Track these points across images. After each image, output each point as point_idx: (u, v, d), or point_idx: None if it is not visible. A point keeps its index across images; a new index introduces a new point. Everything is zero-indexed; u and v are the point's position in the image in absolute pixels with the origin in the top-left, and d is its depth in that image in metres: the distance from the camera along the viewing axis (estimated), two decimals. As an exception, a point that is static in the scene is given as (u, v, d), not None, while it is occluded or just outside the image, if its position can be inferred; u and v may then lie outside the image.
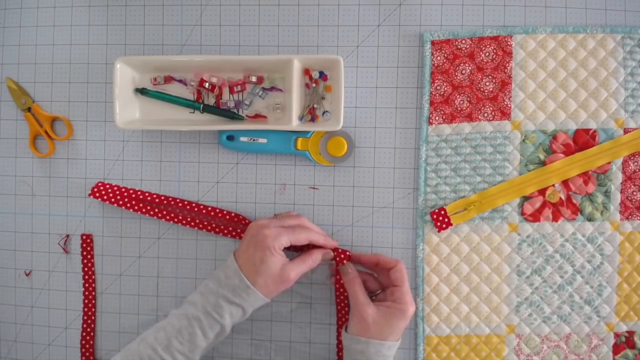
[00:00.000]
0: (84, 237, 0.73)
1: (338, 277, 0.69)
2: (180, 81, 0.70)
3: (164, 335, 0.60)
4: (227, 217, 0.70)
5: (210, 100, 0.70)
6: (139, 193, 0.71)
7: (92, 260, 0.73)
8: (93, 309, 0.73)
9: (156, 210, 0.71)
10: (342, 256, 0.66)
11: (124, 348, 0.62)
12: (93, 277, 0.73)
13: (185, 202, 0.71)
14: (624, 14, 0.68)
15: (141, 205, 0.71)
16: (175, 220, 0.70)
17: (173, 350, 0.59)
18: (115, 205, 0.71)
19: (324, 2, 0.70)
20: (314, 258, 0.64)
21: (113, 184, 0.72)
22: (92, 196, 0.71)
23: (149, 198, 0.71)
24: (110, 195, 0.71)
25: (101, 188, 0.71)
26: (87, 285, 0.73)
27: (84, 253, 0.73)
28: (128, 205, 0.71)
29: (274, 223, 0.63)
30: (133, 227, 0.73)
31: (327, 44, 0.70)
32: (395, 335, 0.62)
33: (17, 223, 0.74)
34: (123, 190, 0.71)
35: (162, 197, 0.71)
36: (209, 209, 0.71)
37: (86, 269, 0.73)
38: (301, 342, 0.71)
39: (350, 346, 0.62)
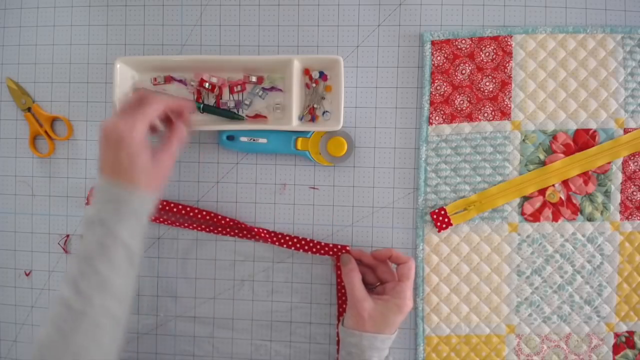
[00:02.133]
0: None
1: (339, 272, 0.69)
2: (180, 81, 0.70)
3: (68, 284, 0.52)
4: (223, 221, 0.70)
5: (210, 100, 0.70)
6: None
7: None
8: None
9: (156, 215, 0.71)
10: (344, 251, 0.67)
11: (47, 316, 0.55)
12: None
13: (180, 207, 0.70)
14: (624, 14, 0.68)
15: None
16: (176, 224, 0.70)
17: (83, 293, 0.51)
18: None
19: (324, 2, 0.70)
20: (178, 129, 0.59)
21: None
22: (88, 205, 0.71)
23: None
24: None
25: None
26: None
27: None
28: None
29: (118, 114, 0.56)
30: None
31: (327, 44, 0.70)
32: (390, 329, 0.62)
33: (17, 223, 0.74)
34: None
35: (160, 203, 0.71)
36: (211, 214, 0.70)
37: None
38: (301, 342, 0.71)
39: (345, 339, 0.63)
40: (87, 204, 0.72)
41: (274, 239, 0.69)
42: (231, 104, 0.70)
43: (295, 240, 0.69)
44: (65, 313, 0.51)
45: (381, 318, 0.61)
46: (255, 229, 0.69)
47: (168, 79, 0.70)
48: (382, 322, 0.61)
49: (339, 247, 0.68)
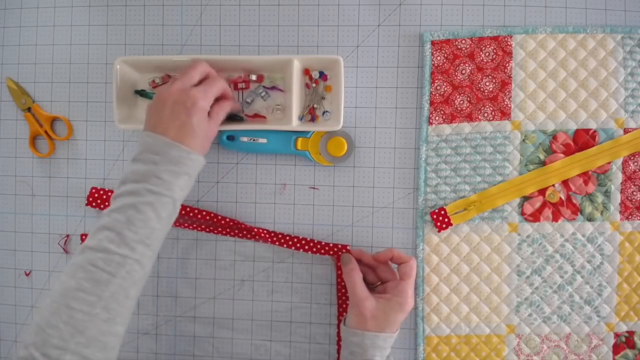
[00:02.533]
0: (84, 237, 0.73)
1: (339, 272, 0.69)
2: (180, 81, 0.70)
3: (110, 232, 0.53)
4: (223, 221, 0.70)
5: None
6: None
7: None
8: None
9: None
10: (344, 251, 0.67)
11: (67, 264, 0.56)
12: None
13: (180, 207, 0.70)
14: (624, 14, 0.68)
15: None
16: (176, 224, 0.70)
17: (130, 242, 0.53)
18: None
19: (324, 2, 0.70)
20: (224, 106, 0.63)
21: (107, 189, 0.72)
22: (89, 206, 0.71)
23: None
24: (107, 204, 0.71)
25: (96, 195, 0.71)
26: None
27: None
28: None
29: (188, 82, 0.60)
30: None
31: (327, 44, 0.70)
32: (392, 328, 0.62)
33: (17, 223, 0.74)
34: None
35: None
36: (211, 214, 0.70)
37: None
38: (301, 342, 0.71)
39: (347, 338, 0.63)
40: (87, 204, 0.72)
41: (274, 239, 0.69)
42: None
43: (295, 240, 0.69)
44: (104, 258, 0.52)
45: (383, 317, 0.61)
46: (255, 229, 0.69)
47: (165, 79, 0.70)
48: (384, 321, 0.61)
49: (339, 246, 0.68)
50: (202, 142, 0.59)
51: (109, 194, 0.71)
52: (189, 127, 0.58)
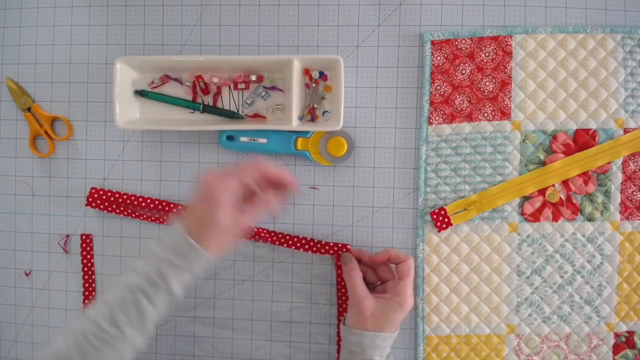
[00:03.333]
0: (84, 237, 0.73)
1: (339, 271, 0.69)
2: (175, 79, 0.70)
3: (106, 308, 0.54)
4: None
5: (207, 101, 0.70)
6: (133, 199, 0.71)
7: (92, 260, 0.73)
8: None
9: (156, 216, 0.70)
10: (344, 250, 0.67)
11: (67, 326, 0.57)
12: (93, 277, 0.73)
13: (180, 207, 0.71)
14: (624, 14, 0.68)
15: (139, 212, 0.71)
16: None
17: (120, 324, 0.53)
18: (113, 213, 0.71)
19: (324, 2, 0.70)
20: (266, 196, 0.59)
21: (107, 189, 0.72)
22: (89, 206, 0.71)
23: (146, 203, 0.70)
24: (107, 204, 0.71)
25: (95, 195, 0.71)
26: (87, 285, 0.73)
27: (84, 253, 0.73)
28: (125, 213, 0.71)
29: (229, 174, 0.57)
30: (133, 227, 0.73)
31: (327, 44, 0.70)
32: (392, 327, 0.62)
33: (17, 223, 0.74)
34: (118, 196, 0.71)
35: (159, 202, 0.71)
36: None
37: (86, 268, 0.73)
38: (301, 342, 0.71)
39: (346, 338, 0.63)
40: (87, 205, 0.72)
41: (274, 238, 0.69)
42: (232, 104, 0.70)
43: (295, 239, 0.69)
44: (96, 333, 0.53)
45: (383, 316, 0.61)
46: (256, 229, 0.69)
47: (164, 78, 0.70)
48: (383, 320, 0.61)
49: (340, 245, 0.68)
50: (217, 238, 0.55)
51: (109, 194, 0.71)
52: (201, 218, 0.55)
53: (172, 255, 0.54)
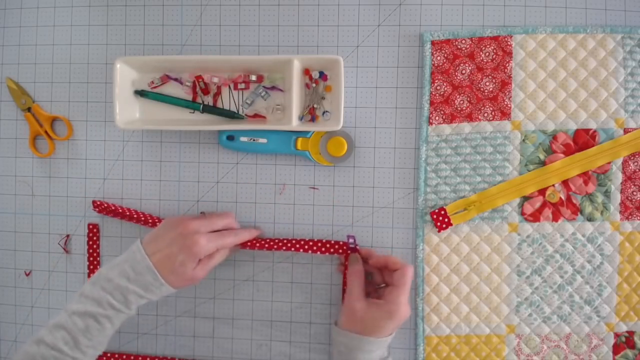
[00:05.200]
0: (91, 226, 0.72)
1: (346, 271, 0.68)
2: (175, 79, 0.70)
3: (67, 334, 0.58)
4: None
5: (207, 101, 0.70)
6: (134, 215, 0.70)
7: (98, 250, 0.73)
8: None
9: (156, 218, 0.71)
10: (349, 246, 0.67)
11: (18, 350, 0.60)
12: (98, 267, 0.73)
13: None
14: (624, 14, 0.68)
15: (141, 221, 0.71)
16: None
17: (82, 347, 0.58)
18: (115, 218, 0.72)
19: (324, 2, 0.70)
20: (221, 254, 0.65)
21: (110, 203, 0.71)
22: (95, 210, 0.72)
23: (145, 219, 0.70)
24: (106, 212, 0.71)
25: (98, 205, 0.71)
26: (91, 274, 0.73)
27: (90, 242, 0.72)
28: (125, 219, 0.71)
29: (204, 226, 0.63)
30: (133, 227, 0.73)
31: (327, 44, 0.70)
32: (380, 333, 0.61)
33: (17, 223, 0.74)
34: (120, 211, 0.70)
35: (159, 220, 0.70)
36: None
37: (91, 258, 0.72)
38: (302, 341, 0.71)
39: (335, 338, 0.63)
40: (93, 209, 0.71)
41: (275, 247, 0.68)
42: (232, 104, 0.70)
43: (294, 242, 0.68)
44: (57, 357, 0.57)
45: (371, 321, 0.61)
46: (257, 244, 0.68)
47: (164, 78, 0.70)
48: (371, 325, 0.61)
49: (341, 243, 0.67)
50: (179, 280, 0.62)
51: (111, 207, 0.71)
52: (172, 262, 0.61)
53: (138, 286, 0.60)
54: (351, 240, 0.66)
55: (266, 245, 0.68)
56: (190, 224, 0.62)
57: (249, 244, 0.68)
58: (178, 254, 0.60)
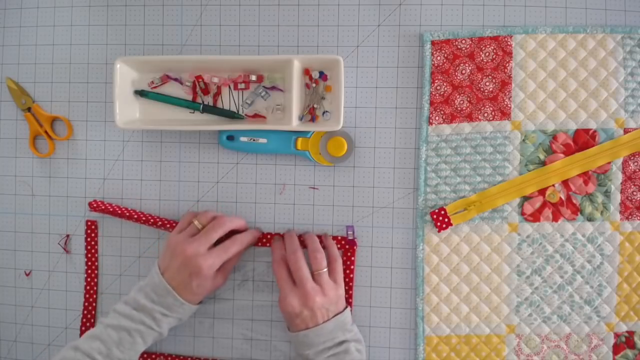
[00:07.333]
0: (89, 223, 0.72)
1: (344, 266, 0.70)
2: (176, 79, 0.70)
3: (102, 345, 0.61)
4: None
5: (207, 101, 0.70)
6: (134, 216, 0.70)
7: (96, 247, 0.73)
8: (93, 311, 0.73)
9: (158, 224, 0.70)
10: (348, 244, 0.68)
11: (56, 353, 0.62)
12: (96, 263, 0.73)
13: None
14: (624, 14, 0.68)
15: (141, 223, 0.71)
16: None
17: (114, 358, 0.61)
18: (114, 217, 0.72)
19: (324, 2, 0.70)
20: (236, 256, 0.68)
21: (107, 203, 0.72)
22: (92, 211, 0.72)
23: (145, 218, 0.70)
24: (106, 213, 0.71)
25: (96, 207, 0.71)
26: (89, 271, 0.72)
27: (88, 239, 0.73)
28: (125, 218, 0.71)
29: (202, 245, 0.64)
30: (133, 227, 0.73)
31: (327, 44, 0.70)
32: (289, 325, 0.66)
33: (17, 223, 0.74)
34: (119, 212, 0.70)
35: (160, 220, 0.70)
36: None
37: (90, 254, 0.72)
38: (301, 342, 0.71)
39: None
40: (90, 210, 0.72)
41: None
42: (232, 104, 0.70)
43: (301, 239, 0.69)
44: None
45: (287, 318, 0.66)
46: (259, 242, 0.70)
47: (164, 78, 0.70)
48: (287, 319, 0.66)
49: (339, 238, 0.68)
50: (200, 296, 0.66)
51: (109, 208, 0.71)
52: (189, 286, 0.63)
53: (162, 307, 0.63)
54: (350, 232, 0.67)
55: (267, 243, 0.69)
56: (188, 249, 0.63)
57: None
58: (191, 281, 0.63)
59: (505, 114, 0.68)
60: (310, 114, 0.69)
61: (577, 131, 0.68)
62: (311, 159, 0.69)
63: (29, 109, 0.73)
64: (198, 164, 0.72)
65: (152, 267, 0.66)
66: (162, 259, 0.65)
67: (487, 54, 0.68)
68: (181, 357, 0.72)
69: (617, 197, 0.68)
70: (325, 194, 0.71)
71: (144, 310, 0.63)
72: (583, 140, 0.67)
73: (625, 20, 0.67)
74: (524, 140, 0.68)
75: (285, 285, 0.65)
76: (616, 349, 0.68)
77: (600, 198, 0.68)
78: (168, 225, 0.70)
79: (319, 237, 0.69)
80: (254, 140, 0.69)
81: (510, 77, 0.68)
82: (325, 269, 0.65)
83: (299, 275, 0.64)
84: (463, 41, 0.68)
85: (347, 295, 0.69)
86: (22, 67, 0.74)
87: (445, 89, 0.68)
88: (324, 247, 0.68)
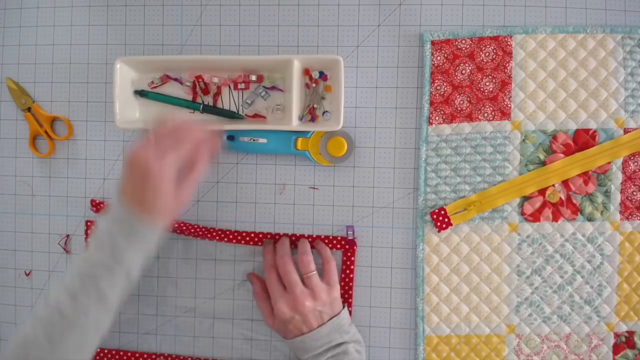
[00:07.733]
0: (89, 223, 0.72)
1: (343, 266, 0.70)
2: (175, 79, 0.70)
3: (67, 294, 0.54)
4: (226, 239, 0.70)
5: (207, 101, 0.70)
6: None
7: None
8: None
9: None
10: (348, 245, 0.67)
11: (32, 312, 0.57)
12: None
13: (182, 224, 0.70)
14: (624, 14, 0.68)
15: None
16: (177, 232, 0.70)
17: (83, 307, 0.54)
18: None
19: (324, 2, 0.70)
20: (203, 159, 0.59)
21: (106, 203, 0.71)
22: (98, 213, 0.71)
23: None
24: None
25: (96, 208, 0.71)
26: None
27: (88, 239, 0.72)
28: None
29: (152, 147, 0.55)
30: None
31: (327, 44, 0.70)
32: (285, 334, 0.65)
33: (17, 223, 0.74)
34: None
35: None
36: (210, 230, 0.70)
37: None
38: (301, 342, 0.71)
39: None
40: (95, 210, 0.71)
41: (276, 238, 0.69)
42: (232, 104, 0.70)
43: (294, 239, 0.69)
44: (58, 320, 0.53)
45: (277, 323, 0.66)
46: (256, 238, 0.70)
47: (164, 78, 0.70)
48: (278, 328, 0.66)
49: (339, 238, 0.68)
50: (166, 210, 0.55)
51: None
52: (145, 195, 0.54)
53: (121, 230, 0.54)
54: (350, 232, 0.67)
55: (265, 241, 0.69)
56: (135, 151, 0.55)
57: (250, 240, 0.69)
58: (144, 187, 0.54)
59: (505, 114, 0.68)
60: (310, 114, 0.69)
61: (577, 131, 0.68)
62: (311, 159, 0.69)
63: (29, 109, 0.73)
64: (198, 164, 0.72)
65: (113, 195, 0.57)
66: (122, 181, 0.57)
67: (487, 54, 0.68)
68: (181, 357, 0.72)
69: (617, 197, 0.68)
70: (325, 194, 0.71)
71: (105, 242, 0.54)
72: (583, 140, 0.67)
73: (625, 20, 0.67)
74: (524, 140, 0.68)
75: (275, 290, 0.64)
76: (616, 349, 0.68)
77: (600, 198, 0.68)
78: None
79: (311, 239, 0.69)
80: (254, 140, 0.69)
81: (510, 77, 0.68)
82: (314, 272, 0.64)
83: (288, 280, 0.64)
84: (463, 41, 0.68)
85: (347, 296, 0.69)
86: (22, 67, 0.74)
87: (445, 89, 0.68)
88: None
